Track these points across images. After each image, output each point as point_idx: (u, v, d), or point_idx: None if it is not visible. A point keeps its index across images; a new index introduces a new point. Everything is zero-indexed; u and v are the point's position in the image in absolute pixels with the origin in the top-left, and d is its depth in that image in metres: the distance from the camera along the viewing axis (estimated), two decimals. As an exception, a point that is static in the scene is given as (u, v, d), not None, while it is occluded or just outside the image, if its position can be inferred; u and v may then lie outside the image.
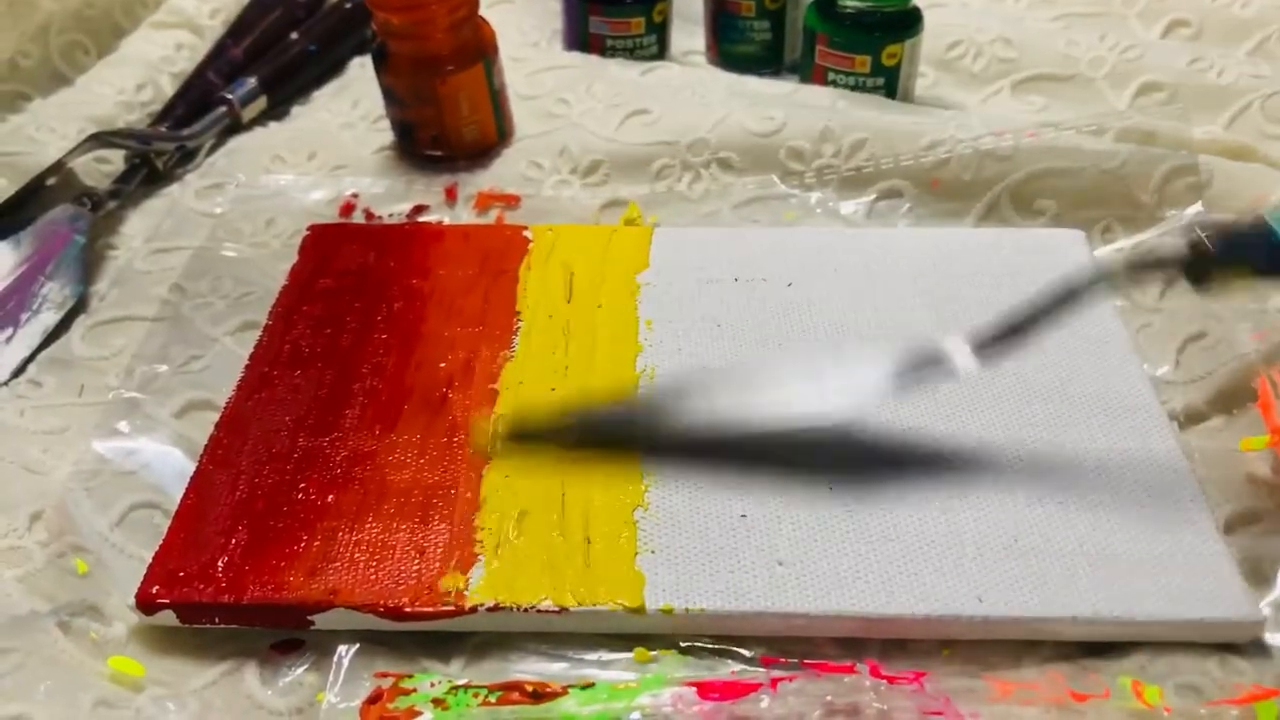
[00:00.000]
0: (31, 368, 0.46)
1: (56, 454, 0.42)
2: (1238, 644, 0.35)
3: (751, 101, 0.55)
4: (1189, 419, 0.43)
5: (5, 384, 0.45)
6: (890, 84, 0.56)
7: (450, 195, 0.54)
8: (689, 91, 0.57)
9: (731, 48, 0.63)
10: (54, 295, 0.49)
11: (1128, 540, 0.37)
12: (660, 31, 0.63)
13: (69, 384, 0.45)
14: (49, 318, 0.48)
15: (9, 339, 0.47)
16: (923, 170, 0.52)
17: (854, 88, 0.57)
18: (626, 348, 0.45)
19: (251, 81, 0.60)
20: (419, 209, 0.53)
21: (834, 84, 0.57)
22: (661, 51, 0.64)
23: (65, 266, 0.50)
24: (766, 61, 0.63)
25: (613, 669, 0.35)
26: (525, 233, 0.50)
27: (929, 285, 0.47)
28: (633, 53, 0.63)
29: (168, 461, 0.41)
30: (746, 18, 0.62)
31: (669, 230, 0.51)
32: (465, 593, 0.36)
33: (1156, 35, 0.62)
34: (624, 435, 0.41)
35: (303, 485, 0.39)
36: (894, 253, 0.49)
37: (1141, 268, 0.37)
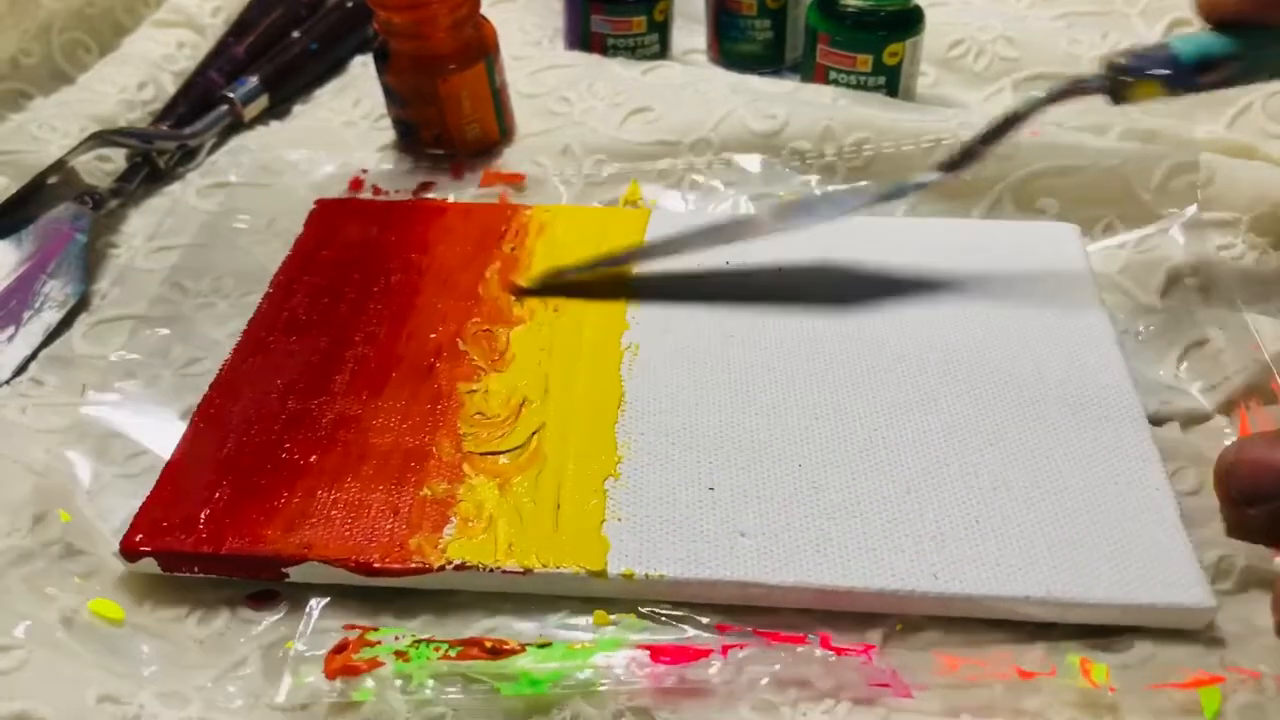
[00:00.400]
0: (33, 366, 0.46)
1: (58, 454, 0.41)
2: (1191, 631, 0.35)
3: (753, 98, 0.55)
4: (1190, 420, 0.43)
5: (7, 382, 0.45)
6: (892, 83, 0.56)
7: (456, 172, 0.55)
8: (691, 90, 0.57)
9: (733, 46, 0.63)
10: (56, 294, 0.49)
11: (1089, 525, 0.37)
12: (662, 30, 0.63)
13: (71, 382, 0.45)
14: (51, 316, 0.48)
15: (11, 337, 0.47)
16: (925, 169, 0.52)
17: (856, 87, 0.57)
18: (613, 325, 0.45)
19: (253, 80, 0.60)
20: (425, 185, 0.54)
21: (835, 83, 0.57)
22: (663, 50, 0.64)
23: (67, 265, 0.50)
24: (768, 60, 0.63)
25: (573, 631, 0.36)
26: (526, 211, 0.51)
27: (919, 275, 0.47)
28: (634, 51, 0.63)
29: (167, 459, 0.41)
30: (748, 16, 0.62)
31: (665, 212, 0.51)
32: (434, 551, 0.37)
33: (1159, 34, 0.62)
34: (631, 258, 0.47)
35: (287, 445, 0.41)
36: (886, 241, 0.49)
37: (1067, 92, 0.43)
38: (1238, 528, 0.36)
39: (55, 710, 0.33)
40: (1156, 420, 0.42)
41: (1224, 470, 0.36)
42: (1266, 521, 0.35)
